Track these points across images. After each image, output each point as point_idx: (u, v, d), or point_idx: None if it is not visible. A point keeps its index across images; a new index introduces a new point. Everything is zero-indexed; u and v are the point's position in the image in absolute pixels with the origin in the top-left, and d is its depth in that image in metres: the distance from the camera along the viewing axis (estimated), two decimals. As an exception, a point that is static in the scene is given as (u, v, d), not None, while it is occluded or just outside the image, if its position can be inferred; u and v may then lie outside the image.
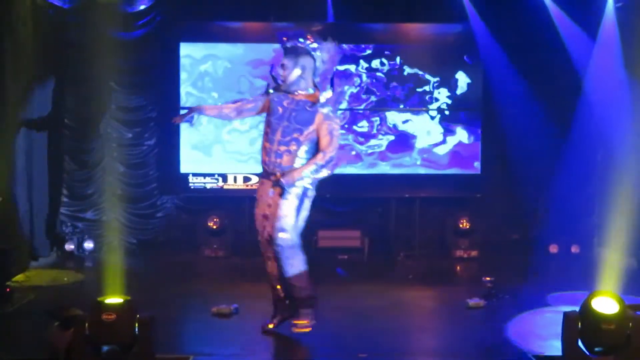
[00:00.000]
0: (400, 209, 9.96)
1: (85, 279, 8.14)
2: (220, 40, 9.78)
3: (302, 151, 5.80)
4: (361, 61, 9.79)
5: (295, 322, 5.87)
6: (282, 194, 5.75)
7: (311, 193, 5.90)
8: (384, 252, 9.72)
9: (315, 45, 5.83)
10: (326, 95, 5.84)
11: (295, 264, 5.83)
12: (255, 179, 9.62)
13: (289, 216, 5.77)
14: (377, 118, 9.80)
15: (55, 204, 9.51)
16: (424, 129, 9.81)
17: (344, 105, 9.74)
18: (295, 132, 5.79)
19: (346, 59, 9.76)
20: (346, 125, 9.72)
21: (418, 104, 9.80)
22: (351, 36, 9.82)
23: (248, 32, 9.79)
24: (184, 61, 9.67)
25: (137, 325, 4.82)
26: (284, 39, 5.88)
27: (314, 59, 5.83)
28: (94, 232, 9.64)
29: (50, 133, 9.39)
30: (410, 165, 9.82)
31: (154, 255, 9.26)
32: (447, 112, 9.79)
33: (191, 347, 5.62)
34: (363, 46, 9.81)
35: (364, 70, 9.79)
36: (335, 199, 9.82)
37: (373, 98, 9.80)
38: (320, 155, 5.73)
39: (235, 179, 9.62)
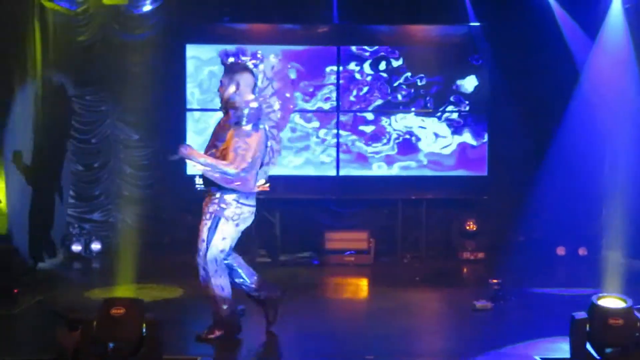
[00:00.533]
0: (407, 210, 9.95)
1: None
2: (226, 42, 9.74)
3: None
4: (366, 63, 9.79)
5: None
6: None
7: (228, 212, 5.74)
8: (391, 253, 9.72)
9: (254, 61, 5.87)
10: (250, 108, 5.73)
11: (210, 287, 5.78)
12: (261, 181, 9.62)
13: (203, 238, 5.74)
14: (383, 120, 9.80)
15: (62, 205, 9.53)
16: (430, 130, 9.81)
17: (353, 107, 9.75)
18: (213, 147, 5.80)
19: (351, 60, 9.78)
20: (347, 126, 9.74)
21: (424, 105, 9.80)
22: (356, 38, 9.85)
23: (254, 34, 9.79)
24: (189, 63, 9.69)
25: (144, 325, 4.83)
26: (226, 57, 5.89)
27: (254, 75, 5.85)
28: (101, 234, 9.67)
29: (58, 134, 9.41)
30: (416, 167, 9.81)
31: (160, 255, 9.25)
32: (453, 114, 9.78)
33: (198, 349, 5.61)
34: (368, 48, 9.81)
35: (370, 72, 9.79)
36: (342, 200, 9.84)
37: (379, 100, 9.80)
38: (224, 162, 5.62)
39: (241, 181, 9.61)
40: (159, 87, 9.63)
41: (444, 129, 9.81)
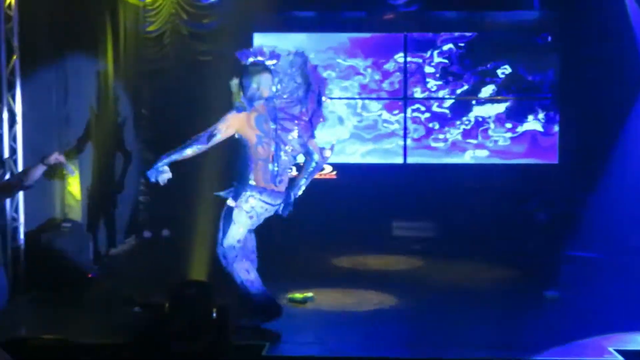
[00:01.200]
0: (474, 199, 9.82)
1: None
2: (293, 30, 9.80)
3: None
4: (433, 50, 9.69)
5: None
6: None
7: (247, 210, 5.87)
8: (459, 242, 9.61)
9: (272, 61, 6.01)
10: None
11: (235, 274, 5.90)
12: (329, 168, 9.64)
13: (220, 228, 5.96)
14: (450, 107, 9.70)
15: (133, 193, 9.71)
16: (499, 118, 9.67)
17: (421, 94, 9.67)
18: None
19: (418, 47, 9.69)
20: (415, 115, 9.67)
21: (492, 92, 9.66)
22: (423, 24, 9.75)
23: (320, 22, 9.79)
24: (257, 51, 9.73)
25: (215, 310, 4.87)
26: (245, 57, 6.03)
27: (272, 74, 5.98)
28: (171, 220, 9.81)
29: (129, 122, 9.58)
30: (483, 155, 9.69)
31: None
32: (522, 101, 9.62)
33: (266, 335, 5.64)
34: (435, 34, 9.71)
35: (437, 59, 9.69)
36: (410, 188, 9.76)
37: (446, 87, 9.70)
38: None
39: (307, 168, 9.63)
40: (225, 77, 9.68)
41: (512, 116, 9.65)
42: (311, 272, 7.90)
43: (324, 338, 5.69)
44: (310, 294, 6.63)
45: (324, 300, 6.71)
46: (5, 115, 7.29)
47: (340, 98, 9.78)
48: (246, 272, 5.89)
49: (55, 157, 5.72)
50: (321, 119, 6.31)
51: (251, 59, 6.01)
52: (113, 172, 9.10)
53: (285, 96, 6.09)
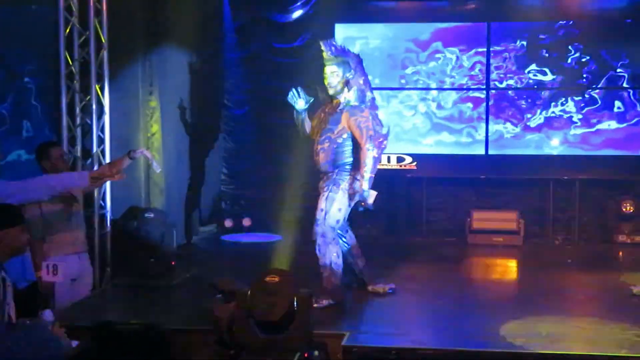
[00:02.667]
0: (558, 190, 9.64)
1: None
2: (373, 20, 9.77)
3: (334, 147, 6.14)
4: (516, 39, 9.51)
5: None
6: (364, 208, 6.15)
7: (344, 186, 6.10)
8: (541, 235, 9.46)
9: (344, 50, 6.31)
10: (347, 95, 6.18)
11: (327, 255, 6.09)
12: (409, 159, 9.60)
13: (322, 208, 6.10)
14: (534, 97, 9.52)
15: (214, 182, 9.86)
16: (584, 108, 9.44)
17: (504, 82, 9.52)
18: (329, 132, 6.16)
19: (501, 36, 9.54)
20: (497, 105, 9.53)
21: (578, 82, 9.43)
22: (507, 13, 9.57)
23: (402, 12, 9.72)
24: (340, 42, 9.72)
25: (296, 300, 4.91)
26: (330, 47, 6.25)
27: (349, 63, 6.22)
28: (252, 210, 9.92)
29: (211, 112, 9.73)
30: (567, 146, 9.48)
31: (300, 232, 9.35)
32: (608, 92, 9.37)
33: (347, 325, 5.67)
34: (519, 23, 9.53)
35: (521, 48, 9.51)
36: (491, 180, 9.64)
37: (530, 77, 9.53)
38: (363, 157, 6.02)
39: (389, 159, 9.62)
40: (306, 67, 9.72)
41: (598, 106, 9.41)
42: (392, 263, 7.87)
43: (404, 329, 5.67)
44: (391, 285, 6.61)
45: (404, 291, 6.68)
46: (94, 107, 7.51)
47: (419, 89, 9.71)
48: (337, 256, 6.13)
49: (142, 151, 5.89)
50: (377, 111, 6.52)
51: (332, 48, 6.26)
52: (196, 161, 9.26)
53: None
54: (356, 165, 6.11)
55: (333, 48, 6.26)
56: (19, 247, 4.17)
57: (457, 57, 9.63)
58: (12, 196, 4.92)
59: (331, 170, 6.16)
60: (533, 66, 9.52)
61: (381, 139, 6.18)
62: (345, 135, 6.13)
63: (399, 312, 6.13)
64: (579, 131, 9.46)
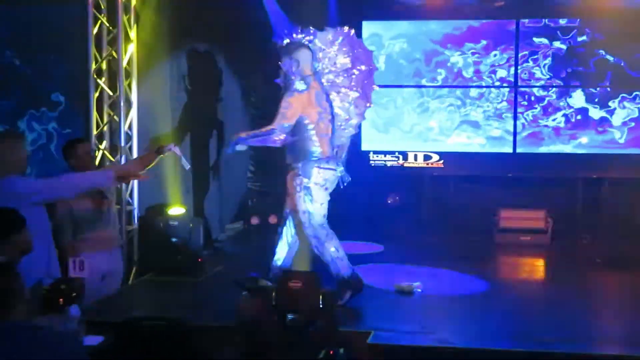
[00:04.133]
0: (587, 189, 9.54)
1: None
2: (400, 17, 9.73)
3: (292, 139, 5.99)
4: (546, 36, 9.43)
5: None
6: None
7: (314, 179, 5.96)
8: (569, 234, 9.36)
9: (309, 37, 6.09)
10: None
11: (325, 253, 6.01)
12: (435, 157, 9.56)
13: (303, 210, 6.01)
14: (561, 95, 9.43)
15: (241, 179, 9.88)
16: (610, 106, 9.33)
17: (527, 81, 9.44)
18: None
19: (530, 34, 9.46)
20: (525, 103, 9.45)
21: (605, 81, 9.32)
22: (536, 10, 9.49)
23: (429, 9, 9.66)
24: (365, 40, 9.71)
25: (321, 298, 4.91)
26: (281, 40, 6.16)
27: (311, 50, 6.02)
28: (278, 207, 9.91)
29: (238, 108, 9.75)
30: (595, 144, 9.38)
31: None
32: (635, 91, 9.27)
33: (372, 323, 5.65)
34: (548, 21, 9.44)
35: (550, 46, 9.43)
36: (518, 178, 9.57)
37: (558, 75, 9.43)
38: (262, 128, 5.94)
39: (415, 157, 9.58)
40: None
41: (625, 104, 9.30)
42: (418, 261, 7.84)
43: (431, 327, 5.64)
44: (417, 283, 6.58)
45: (431, 289, 6.65)
46: (122, 103, 7.57)
47: (446, 86, 9.65)
48: (336, 251, 6.00)
49: (170, 147, 5.90)
50: (374, 86, 6.43)
51: (286, 40, 6.13)
52: (222, 158, 9.28)
53: (326, 70, 6.18)
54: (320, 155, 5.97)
55: (282, 41, 6.19)
56: (26, 249, 4.27)
57: (485, 55, 9.56)
58: (36, 194, 4.94)
59: (295, 165, 6.03)
60: (561, 64, 9.42)
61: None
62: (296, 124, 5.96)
63: (425, 311, 6.10)
64: (607, 129, 9.35)
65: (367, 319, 5.81)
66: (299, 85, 5.95)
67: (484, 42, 9.56)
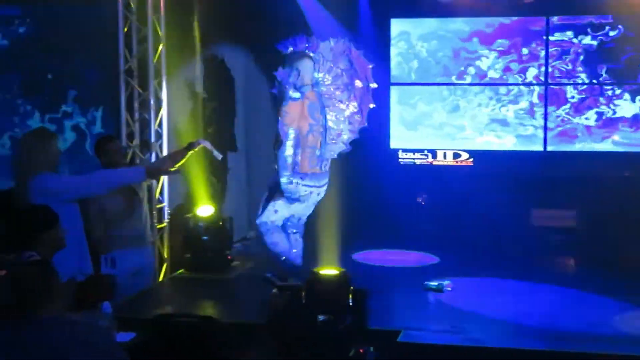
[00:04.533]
0: (619, 188, 9.41)
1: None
2: (429, 15, 9.68)
3: None
4: (577, 33, 9.33)
5: None
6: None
7: (287, 196, 6.30)
8: (601, 233, 9.25)
9: (312, 47, 6.23)
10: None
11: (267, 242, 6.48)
12: (465, 156, 9.51)
13: (260, 205, 6.50)
14: (594, 93, 9.33)
15: (271, 177, 9.89)
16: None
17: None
18: None
19: (560, 31, 9.37)
20: (555, 101, 9.37)
21: (635, 78, 9.21)
22: (567, 6, 9.38)
23: (458, 6, 9.59)
24: (395, 38, 9.68)
25: (351, 296, 4.90)
26: (285, 48, 6.28)
27: (313, 60, 6.16)
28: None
29: (266, 106, 9.75)
30: (627, 142, 9.27)
31: (363, 228, 9.32)
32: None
33: (402, 321, 5.64)
34: (579, 17, 9.34)
35: (581, 43, 9.32)
36: (549, 177, 9.47)
37: (588, 73, 9.33)
38: None
39: (445, 155, 9.54)
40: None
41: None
42: (447, 260, 7.81)
43: (460, 327, 5.62)
44: (446, 282, 6.56)
45: (461, 288, 6.62)
46: (152, 102, 7.62)
47: (474, 84, 9.59)
48: (274, 246, 6.41)
49: (200, 141, 5.95)
50: (370, 105, 6.52)
51: (290, 48, 6.21)
52: (252, 155, 9.31)
53: (327, 82, 6.29)
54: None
55: (287, 49, 6.33)
56: (60, 245, 4.35)
57: (515, 52, 9.48)
58: (68, 191, 4.99)
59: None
60: (592, 61, 9.31)
61: None
62: None
63: (455, 310, 6.08)
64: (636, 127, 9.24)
65: (398, 317, 5.80)
66: (293, 94, 6.05)
67: (513, 39, 9.48)
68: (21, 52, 8.80)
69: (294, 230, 6.46)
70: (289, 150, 6.12)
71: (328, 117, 6.33)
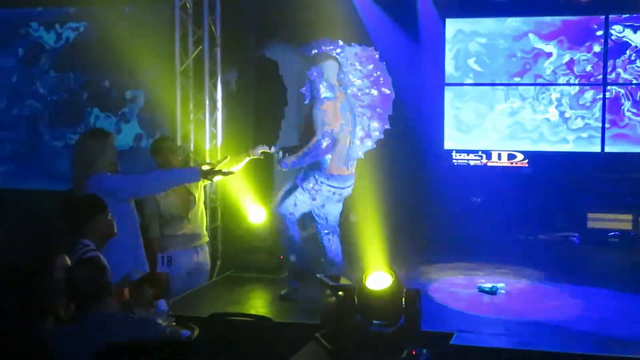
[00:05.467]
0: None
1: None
2: (484, 14, 9.60)
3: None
4: (636, 32, 9.14)
5: None
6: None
7: (310, 192, 6.26)
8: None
9: (337, 50, 6.30)
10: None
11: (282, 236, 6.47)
12: (520, 157, 9.40)
13: (280, 196, 6.46)
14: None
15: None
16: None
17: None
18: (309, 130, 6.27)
19: (619, 30, 9.19)
20: (614, 101, 9.20)
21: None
22: (626, 5, 9.21)
23: (513, 5, 9.49)
24: (449, 37, 9.62)
25: (404, 299, 4.89)
26: (309, 51, 6.40)
27: (338, 62, 6.22)
28: (360, 206, 9.87)
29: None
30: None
31: (415, 230, 9.29)
32: None
33: (455, 324, 5.60)
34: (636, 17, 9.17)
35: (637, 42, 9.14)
36: (607, 178, 9.31)
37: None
38: (308, 144, 6.14)
39: (499, 156, 9.44)
40: (417, 63, 9.65)
41: None
42: (503, 262, 7.73)
43: (514, 330, 5.56)
44: (500, 284, 6.50)
45: (515, 291, 6.56)
46: (207, 103, 7.70)
47: (530, 84, 9.46)
48: (287, 241, 6.44)
49: (262, 148, 6.06)
50: (390, 113, 6.55)
51: (314, 50, 6.34)
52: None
53: (353, 84, 6.37)
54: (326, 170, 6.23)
55: (311, 51, 6.42)
56: (109, 232, 4.49)
57: (572, 51, 9.34)
58: (124, 190, 5.07)
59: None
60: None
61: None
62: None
63: (509, 313, 6.01)
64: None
65: (450, 320, 5.77)
66: (326, 93, 6.16)
67: (570, 38, 9.33)
68: (79, 53, 9.00)
69: (326, 231, 6.47)
70: (321, 149, 6.17)
71: (361, 119, 6.46)
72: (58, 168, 9.08)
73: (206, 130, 7.71)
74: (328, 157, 6.17)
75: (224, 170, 5.71)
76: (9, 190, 9.31)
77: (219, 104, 7.76)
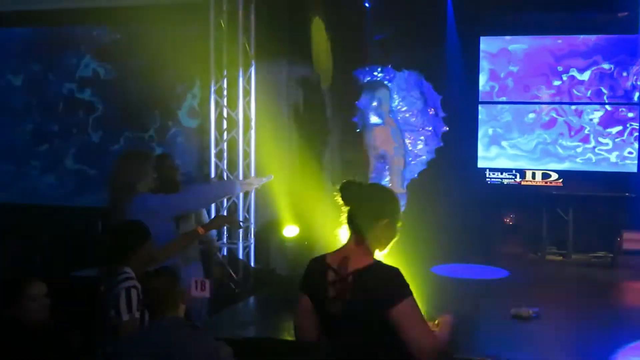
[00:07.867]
0: None
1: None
2: (518, 32, 9.52)
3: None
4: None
5: None
6: None
7: None
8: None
9: (388, 76, 6.64)
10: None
11: None
12: (554, 176, 9.31)
13: None
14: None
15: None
16: None
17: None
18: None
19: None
20: None
21: None
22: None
23: (548, 24, 9.41)
24: (484, 55, 9.56)
25: (437, 323, 4.84)
26: (362, 77, 6.73)
27: (389, 90, 6.55)
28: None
29: (349, 130, 9.75)
30: None
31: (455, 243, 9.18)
32: None
33: (489, 349, 5.54)
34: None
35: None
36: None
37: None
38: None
39: (533, 175, 9.36)
40: (451, 80, 9.58)
41: None
42: (536, 284, 7.65)
43: (548, 355, 5.49)
44: (535, 309, 6.42)
45: (549, 315, 6.47)
46: (241, 121, 7.73)
47: (564, 103, 9.37)
48: None
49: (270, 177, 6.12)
50: (445, 128, 6.93)
51: (367, 78, 6.67)
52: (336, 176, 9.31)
53: (403, 109, 6.71)
54: None
55: (365, 78, 6.80)
56: (151, 259, 4.46)
57: (607, 69, 9.24)
58: (168, 209, 5.07)
59: None
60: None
61: None
62: None
63: (543, 338, 5.94)
64: None
65: (484, 346, 5.70)
66: (376, 119, 6.38)
67: (607, 56, 9.23)
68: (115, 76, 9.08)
69: None
70: (381, 172, 6.36)
71: (406, 140, 6.76)
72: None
73: (240, 148, 7.74)
74: (387, 179, 6.37)
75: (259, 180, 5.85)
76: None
77: (253, 123, 7.79)
